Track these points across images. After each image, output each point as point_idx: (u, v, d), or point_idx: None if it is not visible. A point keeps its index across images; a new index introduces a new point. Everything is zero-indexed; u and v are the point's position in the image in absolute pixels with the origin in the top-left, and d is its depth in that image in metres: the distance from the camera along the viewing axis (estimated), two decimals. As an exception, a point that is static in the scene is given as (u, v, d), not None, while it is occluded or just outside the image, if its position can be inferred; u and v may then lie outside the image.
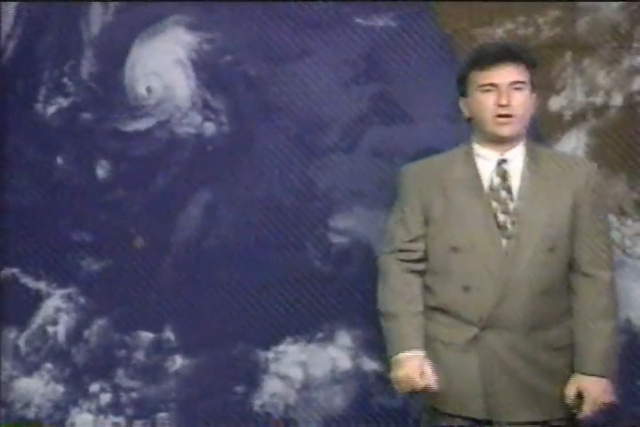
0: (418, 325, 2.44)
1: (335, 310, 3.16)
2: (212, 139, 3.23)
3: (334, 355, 3.17)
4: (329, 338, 3.16)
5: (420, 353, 2.41)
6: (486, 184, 2.41)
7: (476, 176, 2.41)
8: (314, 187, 3.16)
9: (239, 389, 3.23)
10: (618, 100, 2.91)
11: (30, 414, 3.38)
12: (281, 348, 3.20)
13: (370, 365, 3.12)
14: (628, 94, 2.92)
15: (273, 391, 3.22)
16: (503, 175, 2.40)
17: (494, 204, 2.39)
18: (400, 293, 2.48)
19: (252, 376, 3.22)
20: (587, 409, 2.37)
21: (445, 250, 2.42)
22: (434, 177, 2.46)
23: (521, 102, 2.36)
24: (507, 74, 2.35)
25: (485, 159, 2.42)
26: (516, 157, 2.41)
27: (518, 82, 2.36)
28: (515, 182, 2.40)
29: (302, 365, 3.19)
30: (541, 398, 2.38)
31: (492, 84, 2.36)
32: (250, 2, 3.18)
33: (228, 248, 3.22)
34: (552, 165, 2.41)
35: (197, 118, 3.24)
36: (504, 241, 2.36)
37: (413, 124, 3.08)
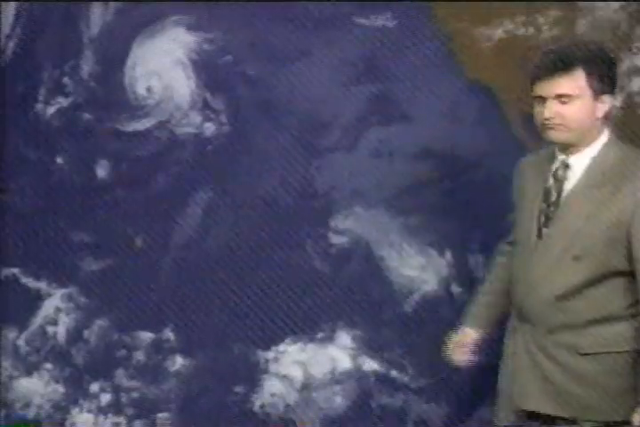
0: (485, 303, 2.65)
1: (335, 310, 3.15)
2: (212, 139, 3.23)
3: (334, 355, 3.16)
4: (329, 338, 3.16)
5: (469, 330, 2.62)
6: (546, 185, 2.45)
7: (546, 176, 2.45)
8: (314, 187, 3.16)
9: (239, 389, 3.23)
10: (618, 100, 2.90)
11: (30, 414, 3.38)
12: (281, 348, 3.20)
13: (370, 365, 3.12)
14: (628, 95, 2.92)
15: (273, 391, 3.22)
16: (559, 178, 2.42)
17: (543, 204, 2.43)
18: (491, 272, 2.70)
19: (252, 376, 3.22)
20: None
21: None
22: (527, 172, 2.54)
23: (568, 115, 2.33)
24: (553, 87, 2.33)
25: (557, 161, 2.45)
26: (579, 162, 2.40)
27: (564, 95, 2.33)
28: (569, 186, 2.40)
29: (302, 365, 3.19)
30: (567, 396, 2.39)
31: (540, 97, 2.36)
32: (250, 2, 3.18)
33: (228, 248, 3.22)
34: (615, 173, 2.36)
35: (197, 118, 3.24)
36: (538, 242, 2.41)
37: (413, 124, 3.08)
